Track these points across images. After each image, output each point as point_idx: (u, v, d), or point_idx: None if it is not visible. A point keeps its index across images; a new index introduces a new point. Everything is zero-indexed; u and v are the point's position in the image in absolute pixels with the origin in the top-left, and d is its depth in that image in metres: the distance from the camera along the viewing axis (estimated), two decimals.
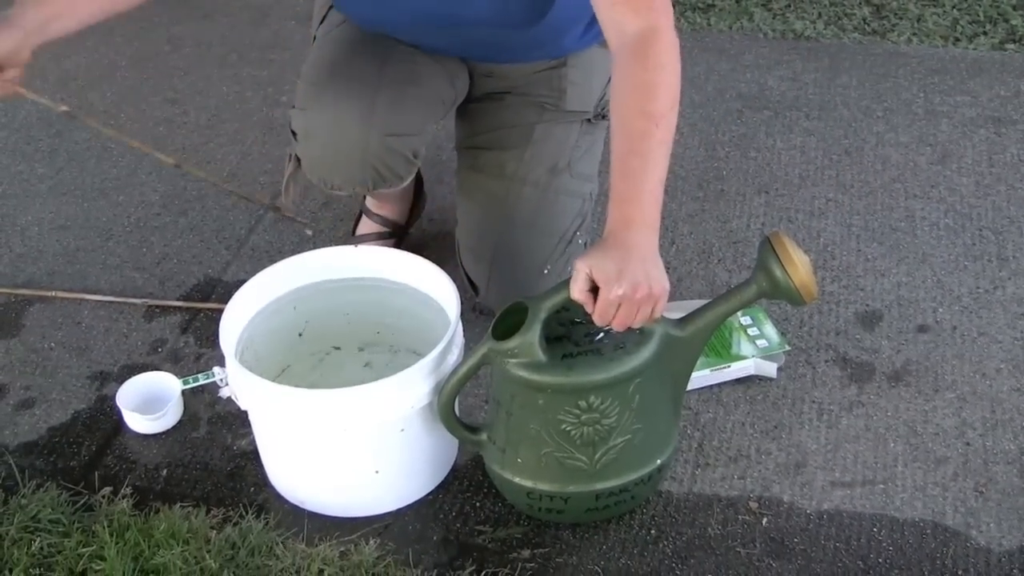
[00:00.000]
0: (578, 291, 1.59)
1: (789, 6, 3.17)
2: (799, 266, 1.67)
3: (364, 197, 2.35)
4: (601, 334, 1.68)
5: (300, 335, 1.99)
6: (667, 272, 1.55)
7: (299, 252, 1.95)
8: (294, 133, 2.00)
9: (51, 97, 2.14)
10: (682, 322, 1.73)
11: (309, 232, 2.33)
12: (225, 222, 2.48)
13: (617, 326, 1.60)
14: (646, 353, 1.67)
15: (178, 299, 2.27)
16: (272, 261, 1.94)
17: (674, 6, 1.78)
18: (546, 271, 2.05)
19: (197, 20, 3.29)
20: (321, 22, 2.11)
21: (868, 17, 3.11)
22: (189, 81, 2.99)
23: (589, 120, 2.12)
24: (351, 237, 2.35)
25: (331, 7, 2.09)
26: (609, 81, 2.13)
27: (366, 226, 2.33)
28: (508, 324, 1.67)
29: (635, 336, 1.68)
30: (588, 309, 1.60)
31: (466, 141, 2.16)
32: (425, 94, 2.00)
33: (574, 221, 2.07)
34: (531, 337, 1.64)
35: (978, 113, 2.70)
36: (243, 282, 1.90)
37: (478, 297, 2.12)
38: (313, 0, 2.17)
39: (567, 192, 2.07)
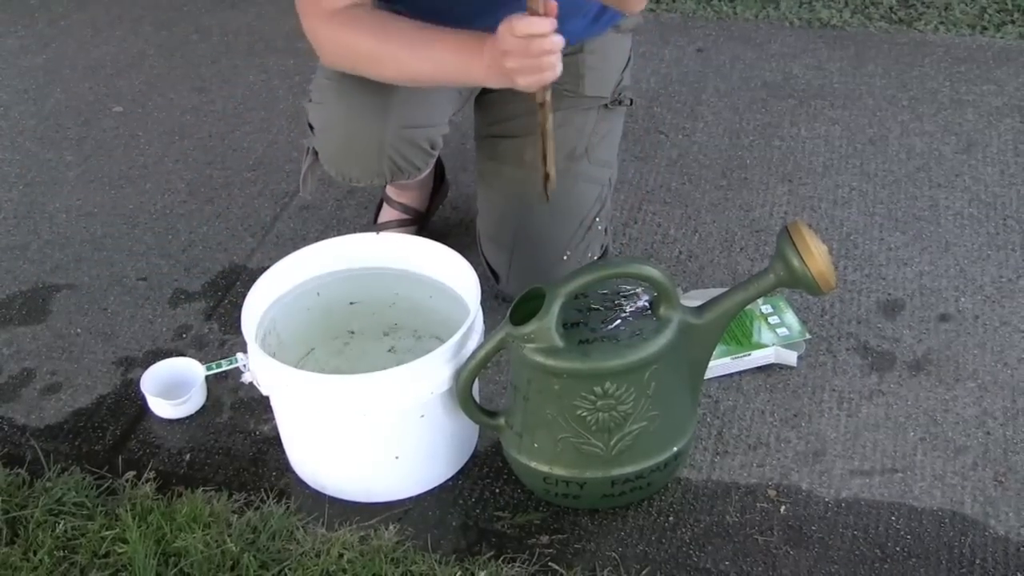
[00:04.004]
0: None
1: None
2: (817, 256, 1.67)
3: (385, 185, 2.36)
4: (618, 320, 1.69)
5: (323, 320, 2.00)
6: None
7: (323, 240, 1.97)
8: (311, 126, 2.01)
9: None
10: (700, 310, 1.74)
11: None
12: (251, 210, 2.50)
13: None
14: (662, 340, 1.67)
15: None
16: (297, 248, 1.95)
17: None
18: (566, 257, 2.06)
19: (225, 9, 3.31)
20: None
21: (895, 6, 3.10)
22: (216, 70, 3.01)
23: (606, 106, 2.12)
24: (372, 225, 2.36)
25: None
26: (626, 66, 2.14)
27: (387, 214, 2.35)
28: (526, 310, 1.68)
29: (652, 323, 1.69)
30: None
31: (485, 130, 2.17)
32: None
33: (593, 207, 2.08)
34: (548, 322, 1.64)
35: (1004, 102, 2.68)
36: (268, 269, 1.92)
37: (499, 285, 2.12)
38: None
39: (586, 178, 2.07)
